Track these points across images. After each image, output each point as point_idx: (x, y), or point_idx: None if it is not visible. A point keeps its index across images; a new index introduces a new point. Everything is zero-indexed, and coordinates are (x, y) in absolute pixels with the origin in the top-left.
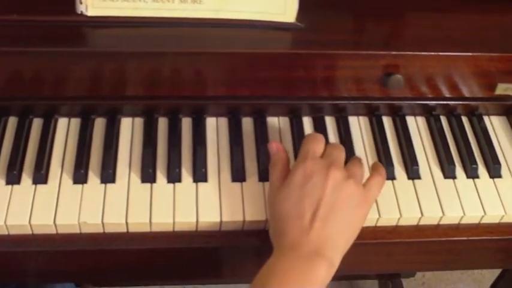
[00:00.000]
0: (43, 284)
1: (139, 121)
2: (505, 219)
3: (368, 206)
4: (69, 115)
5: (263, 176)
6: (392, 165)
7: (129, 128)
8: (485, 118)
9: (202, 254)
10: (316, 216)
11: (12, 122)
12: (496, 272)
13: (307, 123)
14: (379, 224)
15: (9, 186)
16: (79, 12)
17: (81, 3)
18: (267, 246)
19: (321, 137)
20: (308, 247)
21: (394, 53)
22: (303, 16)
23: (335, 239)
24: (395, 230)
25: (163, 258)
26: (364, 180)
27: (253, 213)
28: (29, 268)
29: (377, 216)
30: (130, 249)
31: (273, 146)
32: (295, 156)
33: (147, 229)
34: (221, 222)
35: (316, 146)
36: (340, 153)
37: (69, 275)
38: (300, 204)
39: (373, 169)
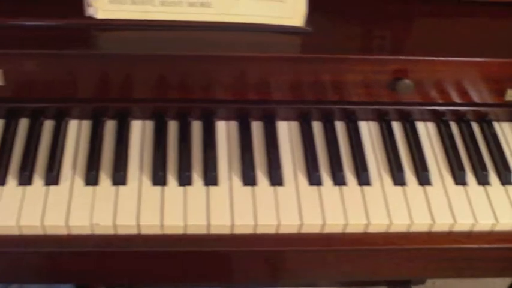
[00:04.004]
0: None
1: (149, 124)
2: None
3: None
4: (80, 117)
5: (274, 180)
6: (402, 170)
7: (140, 131)
8: (496, 124)
9: (214, 257)
10: None
11: (23, 123)
12: (508, 280)
13: (317, 128)
14: (390, 230)
15: (22, 187)
16: (88, 15)
17: (90, 6)
18: (280, 250)
19: None
20: None
21: (403, 57)
22: (312, 20)
23: None
24: (407, 236)
25: (174, 261)
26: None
27: (265, 216)
28: (38, 268)
29: (388, 222)
30: (141, 251)
31: None
32: (307, 163)
33: (158, 231)
34: (232, 225)
35: None
36: None
37: (80, 276)
38: None
39: None
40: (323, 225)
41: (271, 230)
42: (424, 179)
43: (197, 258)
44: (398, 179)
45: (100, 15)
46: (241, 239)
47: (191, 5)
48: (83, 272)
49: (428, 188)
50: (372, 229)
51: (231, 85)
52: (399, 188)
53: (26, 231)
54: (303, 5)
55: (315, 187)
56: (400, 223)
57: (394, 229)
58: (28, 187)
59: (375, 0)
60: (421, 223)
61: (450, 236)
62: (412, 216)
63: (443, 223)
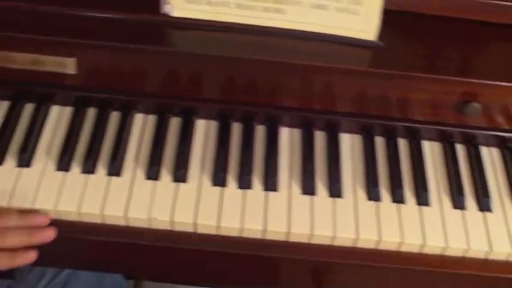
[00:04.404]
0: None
1: (214, 124)
2: None
3: None
4: (146, 112)
5: (334, 192)
6: (463, 194)
7: (204, 130)
8: None
9: (264, 262)
10: None
11: (91, 113)
12: None
13: (379, 143)
14: (445, 253)
15: (85, 175)
16: (163, 13)
17: (167, 4)
18: (331, 262)
19: None
20: None
21: (474, 80)
22: (383, 35)
23: None
24: (462, 261)
25: (224, 262)
26: None
27: (321, 227)
28: (92, 256)
29: (444, 245)
30: (195, 250)
31: None
32: (367, 178)
33: (213, 232)
34: (288, 232)
35: None
36: None
37: (131, 267)
38: None
39: None
40: (378, 242)
41: (326, 241)
42: (484, 205)
43: (247, 262)
44: (458, 203)
45: (176, 13)
46: (293, 247)
47: (266, 10)
48: (134, 264)
49: (488, 214)
50: (426, 250)
51: (297, 93)
52: (458, 211)
53: (85, 219)
54: (376, 19)
55: (373, 202)
56: (456, 247)
57: (449, 253)
58: (91, 175)
59: (449, 19)
60: (478, 249)
61: (507, 265)
62: (470, 241)
63: (501, 251)
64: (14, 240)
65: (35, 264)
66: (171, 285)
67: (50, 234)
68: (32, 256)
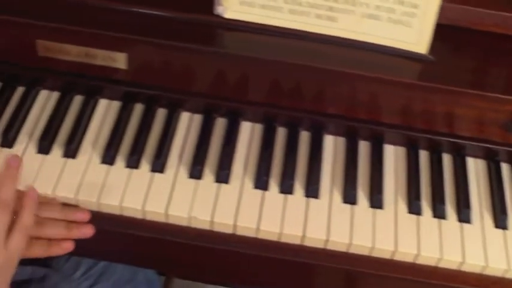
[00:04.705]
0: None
1: (259, 127)
2: None
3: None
4: (192, 111)
5: (375, 203)
6: (505, 213)
7: (248, 133)
8: None
9: (300, 268)
10: None
11: (138, 108)
12: None
13: (423, 156)
14: (484, 272)
15: (129, 170)
16: (216, 14)
17: (220, 5)
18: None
19: None
20: None
21: None
22: (434, 49)
23: None
24: (501, 282)
25: (260, 265)
26: None
27: (361, 237)
28: (128, 250)
29: (483, 263)
30: (232, 251)
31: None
32: (409, 190)
33: (253, 234)
34: (327, 240)
35: None
36: None
37: (166, 264)
38: None
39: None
40: (417, 256)
41: (364, 252)
42: None
43: (282, 266)
44: (500, 222)
45: (228, 15)
46: (330, 255)
47: (318, 17)
48: (170, 261)
49: None
50: (465, 268)
51: (343, 101)
52: (500, 231)
53: (126, 213)
54: (429, 32)
55: (413, 216)
56: (496, 267)
57: (488, 272)
58: (135, 170)
59: (501, 36)
60: None
61: None
62: (510, 262)
63: None
64: (52, 231)
65: (73, 254)
66: (201, 285)
67: (88, 231)
68: (68, 247)
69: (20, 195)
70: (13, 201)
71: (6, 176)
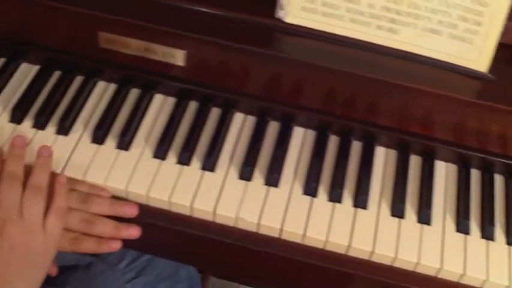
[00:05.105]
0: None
1: (311, 134)
2: None
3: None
4: (246, 112)
5: (423, 218)
6: None
7: (301, 138)
8: None
9: (342, 277)
10: None
11: (192, 106)
12: None
13: (475, 176)
14: None
15: (180, 166)
16: (277, 17)
17: (282, 9)
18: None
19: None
20: None
21: None
22: (494, 68)
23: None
24: None
25: (302, 271)
26: None
27: (406, 252)
28: (173, 245)
29: (507, 283)
30: (276, 255)
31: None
32: (458, 208)
33: (298, 240)
34: (372, 252)
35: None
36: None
37: (209, 263)
38: None
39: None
40: (462, 276)
41: (409, 267)
42: None
43: (323, 274)
44: None
45: (289, 19)
46: (374, 267)
47: (379, 28)
48: (213, 260)
49: None
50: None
51: (397, 114)
52: None
53: (174, 209)
54: (490, 51)
55: (461, 235)
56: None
57: None
58: (186, 167)
59: None
60: None
61: None
62: None
63: None
64: (102, 229)
65: None
66: (235, 285)
67: (135, 233)
68: (116, 246)
69: (53, 182)
70: (47, 187)
71: (38, 164)
